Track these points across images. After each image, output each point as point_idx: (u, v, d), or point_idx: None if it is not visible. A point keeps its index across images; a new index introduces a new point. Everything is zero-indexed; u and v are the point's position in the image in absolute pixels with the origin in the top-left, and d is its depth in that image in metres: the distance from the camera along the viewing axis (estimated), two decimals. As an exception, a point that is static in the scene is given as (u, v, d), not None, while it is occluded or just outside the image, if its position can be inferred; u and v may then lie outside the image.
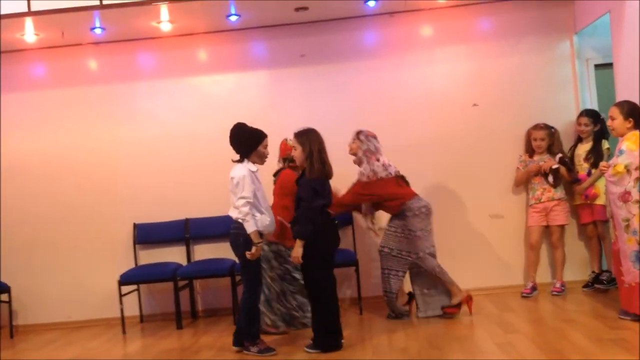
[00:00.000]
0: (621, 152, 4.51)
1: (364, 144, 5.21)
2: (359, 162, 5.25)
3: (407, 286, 5.36)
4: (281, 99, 6.13)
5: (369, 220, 5.45)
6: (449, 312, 5.20)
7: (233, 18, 5.75)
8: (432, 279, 5.23)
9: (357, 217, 5.95)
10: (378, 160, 5.17)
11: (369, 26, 6.11)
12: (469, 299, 5.19)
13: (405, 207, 5.14)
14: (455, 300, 5.19)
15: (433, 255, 5.19)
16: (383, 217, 5.51)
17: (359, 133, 5.26)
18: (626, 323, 4.49)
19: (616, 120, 4.60)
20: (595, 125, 5.48)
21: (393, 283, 5.20)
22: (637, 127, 4.55)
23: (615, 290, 5.15)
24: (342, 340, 4.56)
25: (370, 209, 5.41)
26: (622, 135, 4.60)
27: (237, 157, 4.62)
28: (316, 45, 6.12)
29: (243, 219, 4.44)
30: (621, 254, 4.53)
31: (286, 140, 5.20)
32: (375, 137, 5.26)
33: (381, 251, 5.26)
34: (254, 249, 4.44)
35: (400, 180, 5.28)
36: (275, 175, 5.27)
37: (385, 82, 6.07)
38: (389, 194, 5.16)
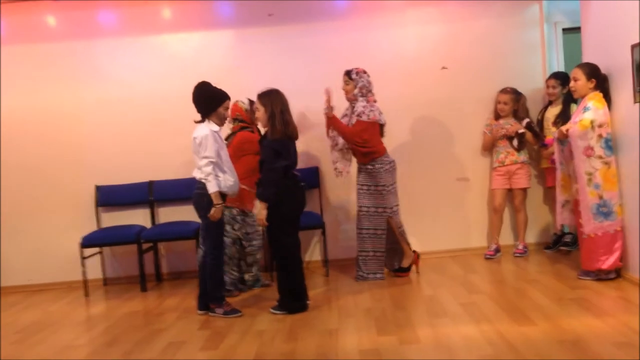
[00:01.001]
0: (587, 109, 4.58)
1: (358, 81, 5.13)
2: (353, 100, 5.15)
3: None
4: (248, 59, 6.00)
5: (343, 160, 5.33)
6: (400, 275, 5.28)
7: (198, -26, 5.59)
8: (394, 236, 5.27)
9: (324, 180, 5.94)
10: (375, 101, 5.12)
11: (338, -15, 6.00)
12: (416, 259, 5.33)
13: (377, 161, 5.14)
14: (406, 263, 5.29)
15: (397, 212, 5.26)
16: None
17: (349, 72, 5.17)
18: (586, 283, 4.60)
19: (579, 82, 4.68)
20: (564, 88, 5.48)
21: (373, 242, 5.20)
22: (598, 88, 4.63)
23: (577, 252, 5.26)
24: (308, 302, 4.58)
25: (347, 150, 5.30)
26: (583, 97, 4.69)
27: (199, 118, 4.55)
28: (284, 5, 5.97)
29: (205, 179, 4.38)
30: (582, 206, 4.63)
31: (237, 101, 5.11)
32: (366, 72, 5.18)
33: (359, 211, 5.24)
34: (213, 210, 4.39)
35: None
36: (227, 138, 5.16)
37: (354, 44, 5.97)
38: (373, 146, 5.11)
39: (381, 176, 5.13)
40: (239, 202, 5.00)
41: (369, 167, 5.15)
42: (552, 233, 5.86)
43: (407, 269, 5.30)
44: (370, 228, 5.20)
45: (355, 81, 5.13)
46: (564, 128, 4.67)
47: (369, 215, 5.19)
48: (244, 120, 5.15)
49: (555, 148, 4.92)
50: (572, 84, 4.76)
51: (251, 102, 5.09)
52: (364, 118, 5.07)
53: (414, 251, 5.34)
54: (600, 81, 4.65)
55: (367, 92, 5.14)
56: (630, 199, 4.53)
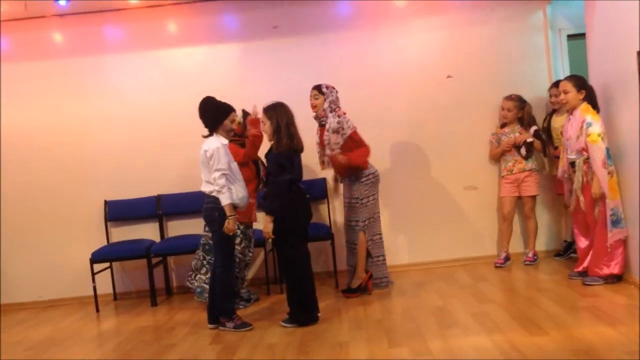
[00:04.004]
0: (589, 124, 4.59)
1: (328, 96, 5.10)
2: (323, 116, 5.10)
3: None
4: (253, 72, 6.03)
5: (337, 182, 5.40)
6: (347, 296, 5.16)
7: (203, -11, 5.62)
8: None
9: (332, 191, 5.93)
10: (345, 113, 5.09)
11: (342, -4, 6.02)
12: (368, 280, 5.16)
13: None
14: (354, 284, 5.18)
15: (376, 221, 5.18)
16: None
17: (318, 87, 5.13)
18: (597, 290, 4.57)
19: (570, 94, 4.73)
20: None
21: (349, 256, 5.28)
22: (586, 99, 4.69)
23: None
24: (318, 314, 4.56)
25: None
26: (574, 108, 4.73)
27: (206, 133, 4.58)
28: (289, 17, 6.01)
29: (219, 191, 4.39)
30: (607, 218, 4.61)
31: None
32: (334, 88, 5.16)
33: (344, 224, 5.33)
34: (227, 223, 4.39)
35: None
36: None
37: (359, 54, 6.00)
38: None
39: (355, 187, 5.12)
40: (247, 215, 4.98)
41: (348, 179, 5.15)
42: (562, 240, 5.83)
43: (356, 290, 5.14)
44: (346, 241, 5.26)
45: (325, 95, 5.09)
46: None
47: (346, 228, 5.25)
48: (236, 133, 5.13)
49: (565, 180, 4.97)
50: (562, 96, 4.80)
51: (245, 114, 5.09)
52: (348, 132, 5.01)
53: (367, 271, 5.19)
54: (588, 92, 4.71)
55: (335, 106, 5.10)
56: (633, 207, 4.57)
